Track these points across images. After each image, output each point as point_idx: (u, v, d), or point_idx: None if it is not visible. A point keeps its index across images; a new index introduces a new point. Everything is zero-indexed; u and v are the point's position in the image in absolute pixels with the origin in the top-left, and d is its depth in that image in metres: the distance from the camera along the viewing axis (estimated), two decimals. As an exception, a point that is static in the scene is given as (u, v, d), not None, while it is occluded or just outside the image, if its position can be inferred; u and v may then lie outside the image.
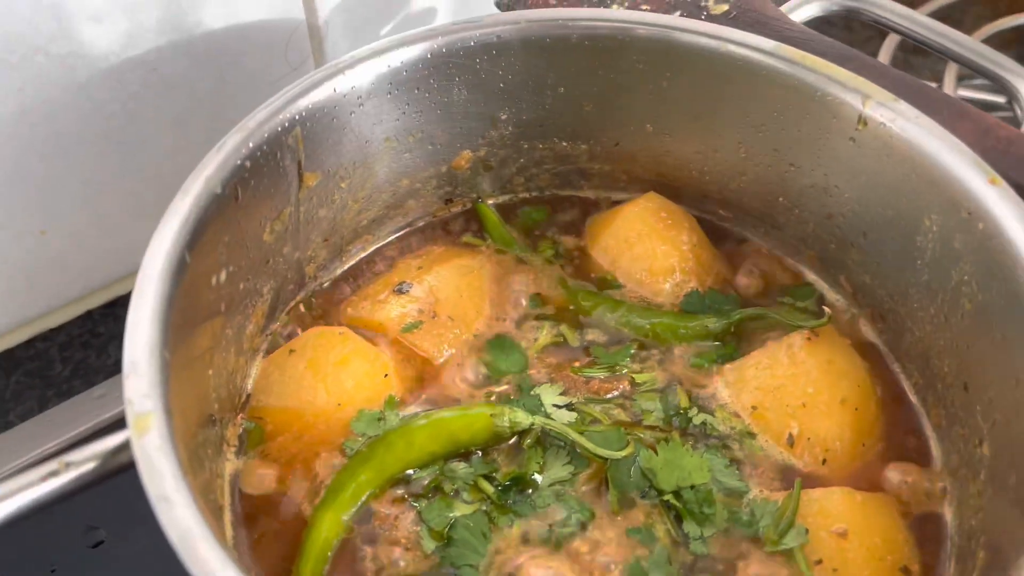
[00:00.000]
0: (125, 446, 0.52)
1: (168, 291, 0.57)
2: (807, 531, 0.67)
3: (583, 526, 0.69)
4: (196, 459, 0.58)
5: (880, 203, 0.73)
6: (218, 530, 0.53)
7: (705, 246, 0.86)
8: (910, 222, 0.71)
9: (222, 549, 0.47)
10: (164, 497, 0.47)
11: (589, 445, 0.71)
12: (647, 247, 0.84)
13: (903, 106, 0.70)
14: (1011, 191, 0.63)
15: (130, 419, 0.50)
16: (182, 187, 0.62)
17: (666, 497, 0.69)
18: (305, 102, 0.71)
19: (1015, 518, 0.55)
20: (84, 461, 0.53)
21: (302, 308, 0.82)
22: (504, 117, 0.83)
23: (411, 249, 0.87)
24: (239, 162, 0.66)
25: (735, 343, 0.79)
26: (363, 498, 0.69)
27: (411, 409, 0.75)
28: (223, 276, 0.67)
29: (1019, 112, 0.79)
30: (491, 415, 0.72)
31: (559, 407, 0.74)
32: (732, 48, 0.75)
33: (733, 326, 0.80)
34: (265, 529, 0.69)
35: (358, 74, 0.73)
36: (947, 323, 0.69)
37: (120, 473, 0.54)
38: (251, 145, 0.67)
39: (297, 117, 0.70)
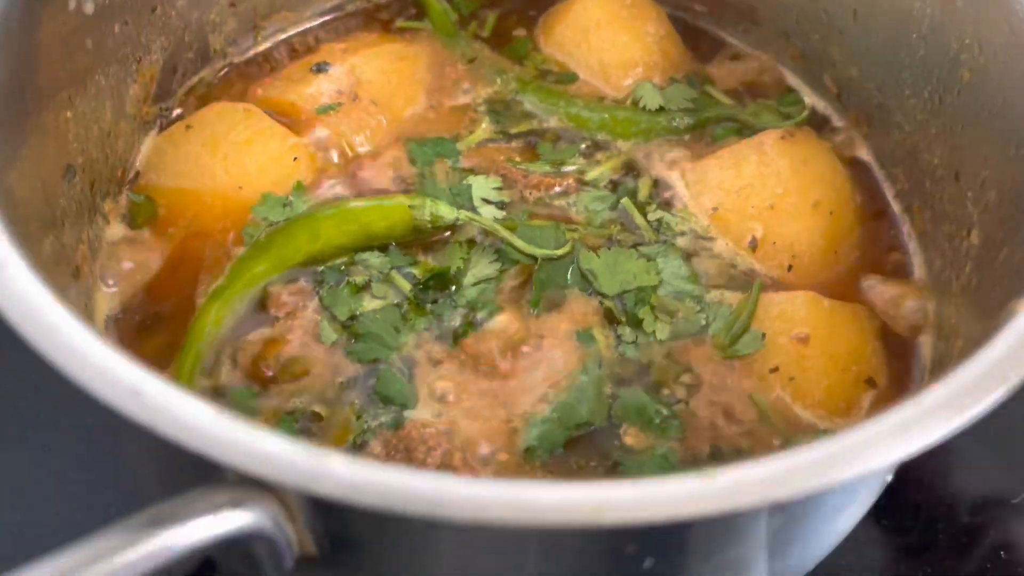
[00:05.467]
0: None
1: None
2: (764, 336, 0.59)
3: (509, 329, 0.60)
4: (47, 210, 0.48)
5: (874, -33, 0.62)
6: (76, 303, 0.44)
7: (674, 40, 0.75)
8: (908, -14, 0.60)
9: (70, 311, 0.37)
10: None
11: (519, 243, 0.63)
12: (607, 36, 0.74)
13: None
14: (1029, -76, 0.53)
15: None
16: None
17: (606, 302, 0.61)
18: None
19: (1001, 294, 0.46)
20: None
21: (205, 85, 0.71)
22: None
23: (338, 34, 0.77)
24: None
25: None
26: (256, 289, 0.61)
27: (323, 199, 0.65)
28: (88, 5, 0.56)
29: None
30: (410, 206, 0.63)
31: (490, 202, 0.65)
32: None
33: (700, 125, 0.70)
34: (147, 313, 0.61)
35: None
36: (941, 105, 0.61)
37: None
38: None
39: None
